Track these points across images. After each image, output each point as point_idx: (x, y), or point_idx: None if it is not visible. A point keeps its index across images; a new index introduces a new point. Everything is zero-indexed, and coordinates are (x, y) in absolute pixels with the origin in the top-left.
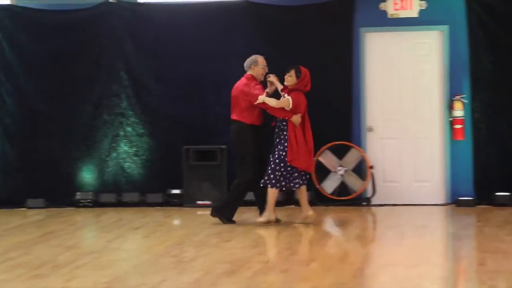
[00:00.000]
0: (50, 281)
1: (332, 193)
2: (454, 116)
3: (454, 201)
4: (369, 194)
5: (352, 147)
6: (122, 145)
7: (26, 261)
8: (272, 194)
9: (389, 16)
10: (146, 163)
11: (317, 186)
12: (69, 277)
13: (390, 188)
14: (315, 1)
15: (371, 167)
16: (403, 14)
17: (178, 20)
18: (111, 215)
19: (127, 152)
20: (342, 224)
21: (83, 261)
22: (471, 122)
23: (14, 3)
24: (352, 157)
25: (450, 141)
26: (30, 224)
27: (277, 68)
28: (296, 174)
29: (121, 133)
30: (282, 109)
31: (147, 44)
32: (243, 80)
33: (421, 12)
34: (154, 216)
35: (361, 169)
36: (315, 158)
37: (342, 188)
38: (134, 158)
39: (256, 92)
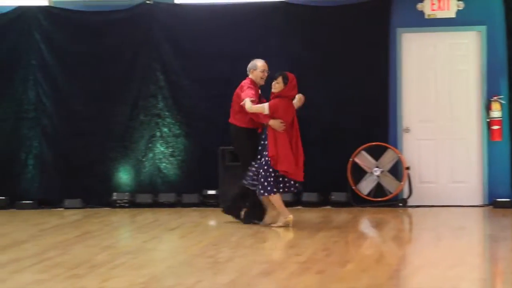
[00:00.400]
0: (87, 281)
1: (368, 194)
2: (492, 117)
3: (491, 202)
4: (405, 195)
5: (388, 148)
6: (158, 145)
7: (64, 261)
8: (276, 200)
9: (426, 16)
10: (182, 163)
11: (353, 187)
12: (106, 277)
13: (426, 189)
14: (352, 2)
15: (408, 168)
16: (440, 14)
17: (215, 20)
18: (147, 216)
19: (163, 153)
20: (378, 225)
21: (120, 261)
22: (509, 123)
23: (51, 4)
24: (388, 158)
25: (488, 142)
26: (67, 224)
27: (315, 68)
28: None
29: (158, 133)
30: (259, 113)
31: (184, 45)
32: (241, 83)
33: (459, 12)
34: (190, 216)
35: (397, 170)
36: (351, 159)
37: (378, 189)
38: (170, 158)
39: (243, 95)
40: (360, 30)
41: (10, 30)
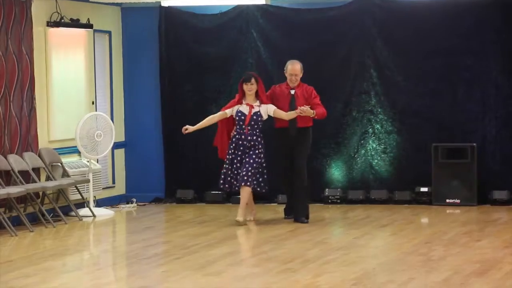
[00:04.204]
0: (299, 275)
1: None
2: None
3: None
4: None
5: None
6: (370, 142)
7: (277, 255)
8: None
9: None
10: (394, 160)
11: None
12: (318, 272)
13: None
14: None
15: None
16: None
17: (429, 16)
18: (359, 212)
19: (375, 149)
20: None
21: (332, 256)
22: None
23: (268, 3)
24: None
25: None
26: (281, 220)
27: None
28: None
29: (370, 130)
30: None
31: (397, 41)
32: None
33: None
34: (402, 213)
35: None
36: None
37: None
38: (382, 155)
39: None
40: None
41: (230, 28)
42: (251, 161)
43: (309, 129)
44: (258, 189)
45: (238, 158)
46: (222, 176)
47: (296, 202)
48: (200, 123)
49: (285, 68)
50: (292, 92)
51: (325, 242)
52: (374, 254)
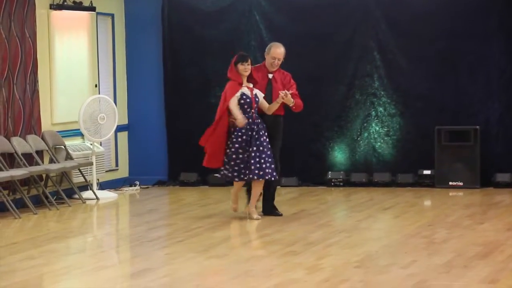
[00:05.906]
0: (303, 258)
1: None
2: None
3: None
4: None
5: None
6: (373, 125)
7: (280, 238)
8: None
9: None
10: (397, 143)
11: None
12: (321, 255)
13: None
14: None
15: None
16: None
17: None
18: (361, 195)
19: (378, 132)
20: None
21: (335, 239)
22: None
23: None
24: None
25: None
26: (284, 202)
27: None
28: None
29: (373, 113)
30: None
31: (401, 23)
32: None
33: None
34: (404, 196)
35: None
36: None
37: None
38: (385, 138)
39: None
40: None
41: (232, 11)
42: (263, 154)
43: (281, 118)
44: (273, 178)
45: (243, 144)
46: (236, 168)
47: (270, 195)
48: (236, 112)
49: (267, 50)
50: (270, 76)
51: (328, 224)
52: (377, 237)
